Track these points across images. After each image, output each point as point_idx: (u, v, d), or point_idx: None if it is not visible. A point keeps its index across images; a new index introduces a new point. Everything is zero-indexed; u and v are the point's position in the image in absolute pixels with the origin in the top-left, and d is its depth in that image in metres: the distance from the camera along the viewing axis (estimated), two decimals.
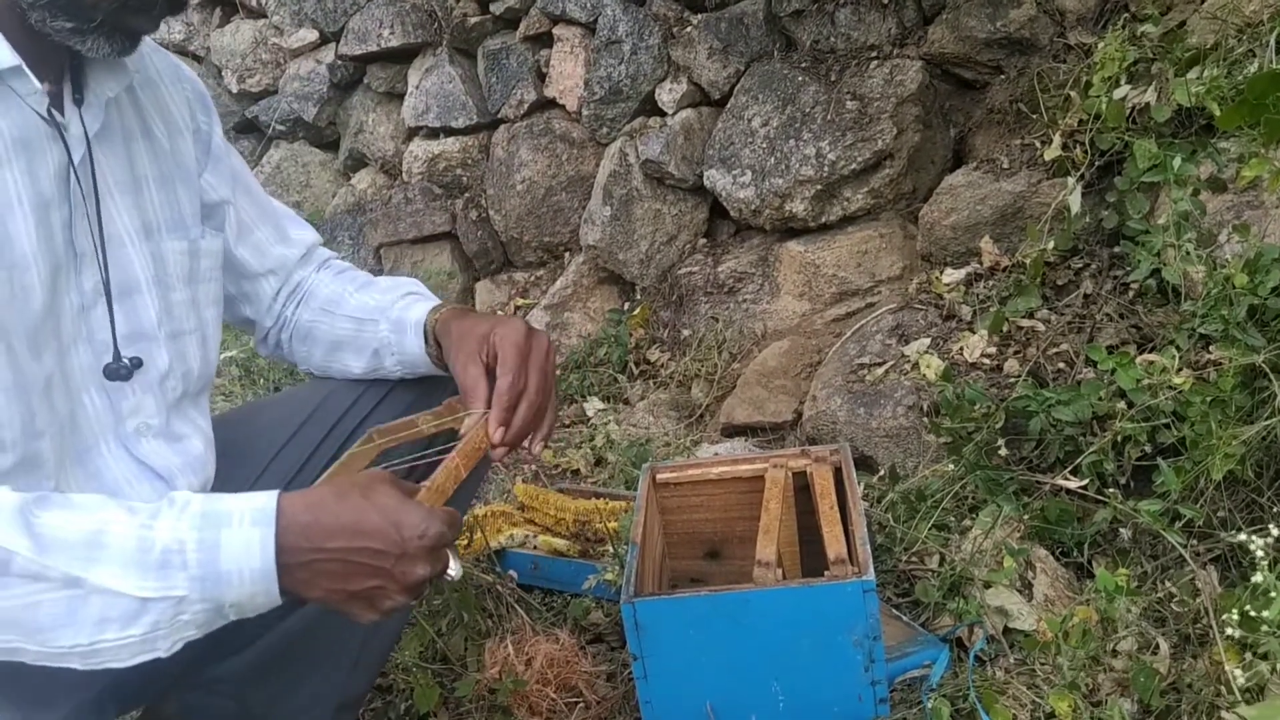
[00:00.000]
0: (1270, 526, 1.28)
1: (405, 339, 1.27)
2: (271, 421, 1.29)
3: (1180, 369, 1.61)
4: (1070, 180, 2.09)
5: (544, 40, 3.09)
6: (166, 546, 0.84)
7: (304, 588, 0.88)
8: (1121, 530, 1.58)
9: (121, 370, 1.03)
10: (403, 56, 3.38)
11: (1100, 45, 2.15)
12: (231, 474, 1.22)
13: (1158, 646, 1.37)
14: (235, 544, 0.85)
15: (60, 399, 0.99)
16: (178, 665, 1.24)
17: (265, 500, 0.88)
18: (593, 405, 2.65)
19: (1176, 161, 1.79)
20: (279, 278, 1.31)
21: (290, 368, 2.80)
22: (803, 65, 2.63)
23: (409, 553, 0.88)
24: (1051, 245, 2.10)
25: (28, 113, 0.96)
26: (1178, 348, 1.65)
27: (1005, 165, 2.33)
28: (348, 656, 1.30)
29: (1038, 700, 1.35)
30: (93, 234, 1.02)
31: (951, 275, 2.32)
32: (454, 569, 0.92)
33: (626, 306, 2.92)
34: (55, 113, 0.98)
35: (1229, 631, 1.25)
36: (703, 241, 2.86)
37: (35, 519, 0.82)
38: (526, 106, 3.11)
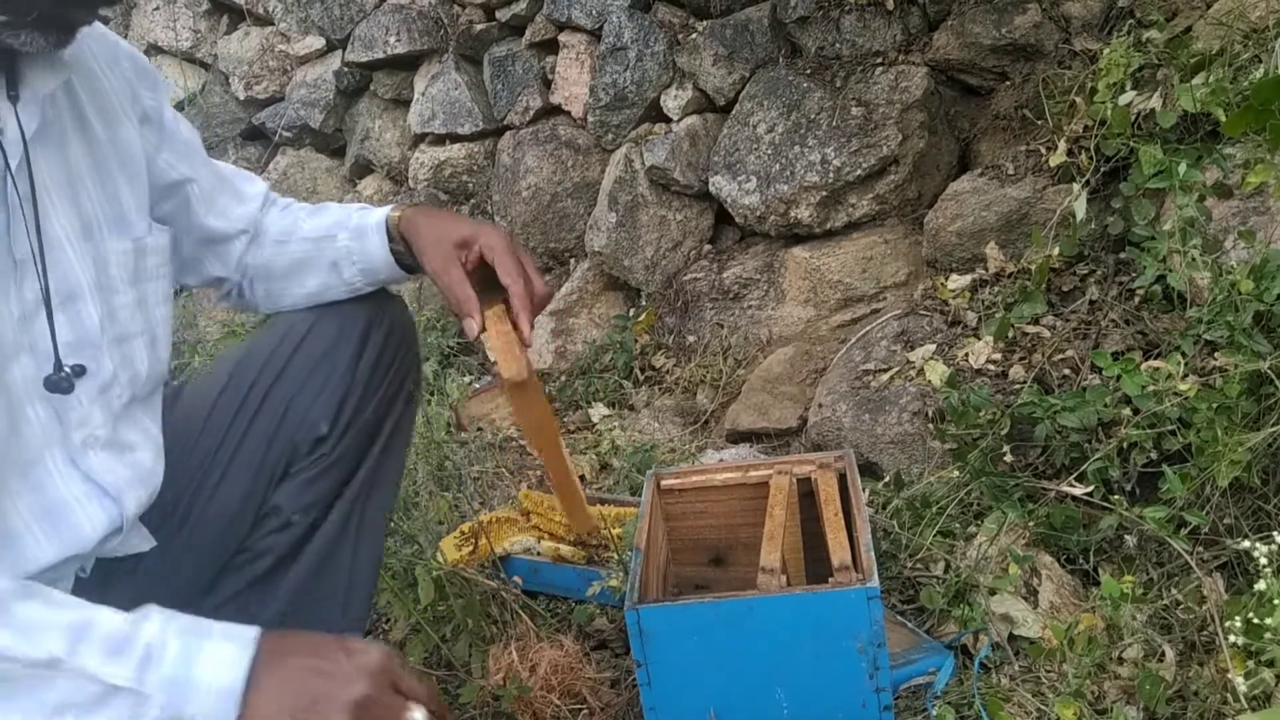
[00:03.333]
0: (1275, 533, 1.28)
1: (367, 242, 1.27)
2: (192, 405, 1.27)
3: (1186, 375, 1.61)
4: (1075, 186, 2.09)
5: (550, 47, 3.10)
6: (150, 641, 0.85)
7: (253, 710, 0.86)
8: (1127, 537, 1.58)
9: (63, 383, 0.99)
10: (409, 63, 3.39)
11: (1105, 51, 2.15)
12: (172, 472, 1.20)
13: (1163, 654, 1.36)
14: (212, 656, 0.86)
15: None
16: None
17: (252, 629, 0.89)
18: (598, 411, 2.65)
19: (1182, 167, 1.78)
20: (248, 235, 1.30)
21: None
22: (808, 72, 2.64)
23: (347, 671, 0.89)
24: (1057, 251, 2.10)
25: None
26: (1183, 354, 1.65)
27: (1010, 171, 2.33)
28: (334, 613, 1.29)
29: (1043, 707, 1.35)
30: (30, 240, 0.98)
31: (957, 281, 2.32)
32: (417, 716, 0.90)
33: (632, 312, 2.93)
34: None
35: (1233, 639, 1.24)
36: (708, 248, 2.86)
37: (13, 612, 0.84)
38: (532, 113, 3.12)
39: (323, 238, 1.30)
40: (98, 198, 1.07)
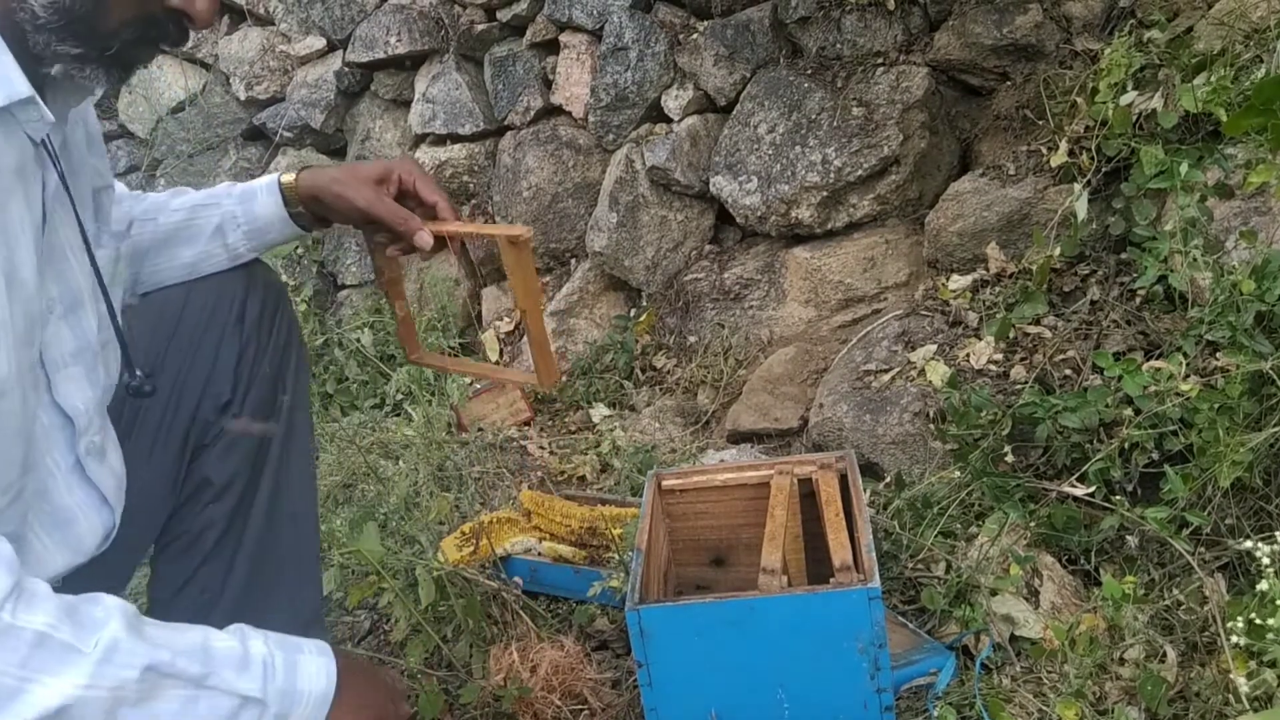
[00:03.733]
0: (1277, 534, 1.28)
1: (256, 204, 1.29)
2: None
3: (1187, 375, 1.61)
4: (1077, 186, 2.09)
5: (550, 47, 3.10)
6: (262, 658, 0.95)
7: (339, 712, 1.00)
8: (1128, 537, 1.58)
9: (145, 387, 1.03)
10: (410, 64, 3.39)
11: (1107, 51, 2.15)
12: None
13: (1165, 654, 1.36)
14: (309, 667, 0.98)
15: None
16: None
17: (322, 644, 1.03)
18: (599, 411, 2.65)
19: (1183, 167, 1.78)
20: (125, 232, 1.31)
21: None
22: (809, 72, 2.63)
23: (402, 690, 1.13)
24: (1058, 251, 2.09)
25: (21, 138, 0.92)
26: (1185, 354, 1.65)
27: (1011, 171, 2.33)
28: (289, 577, 1.33)
29: (1044, 708, 1.35)
30: (88, 246, 1.00)
31: (958, 281, 2.32)
32: None
33: (632, 313, 2.92)
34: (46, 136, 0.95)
35: (1235, 639, 1.24)
36: (709, 248, 2.86)
37: (148, 633, 0.90)
38: (533, 113, 3.12)
39: (199, 206, 1.31)
40: (83, 203, 1.08)
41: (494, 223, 1.30)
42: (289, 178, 1.30)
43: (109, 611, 0.88)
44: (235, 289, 1.30)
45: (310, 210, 1.30)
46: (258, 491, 1.28)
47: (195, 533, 1.26)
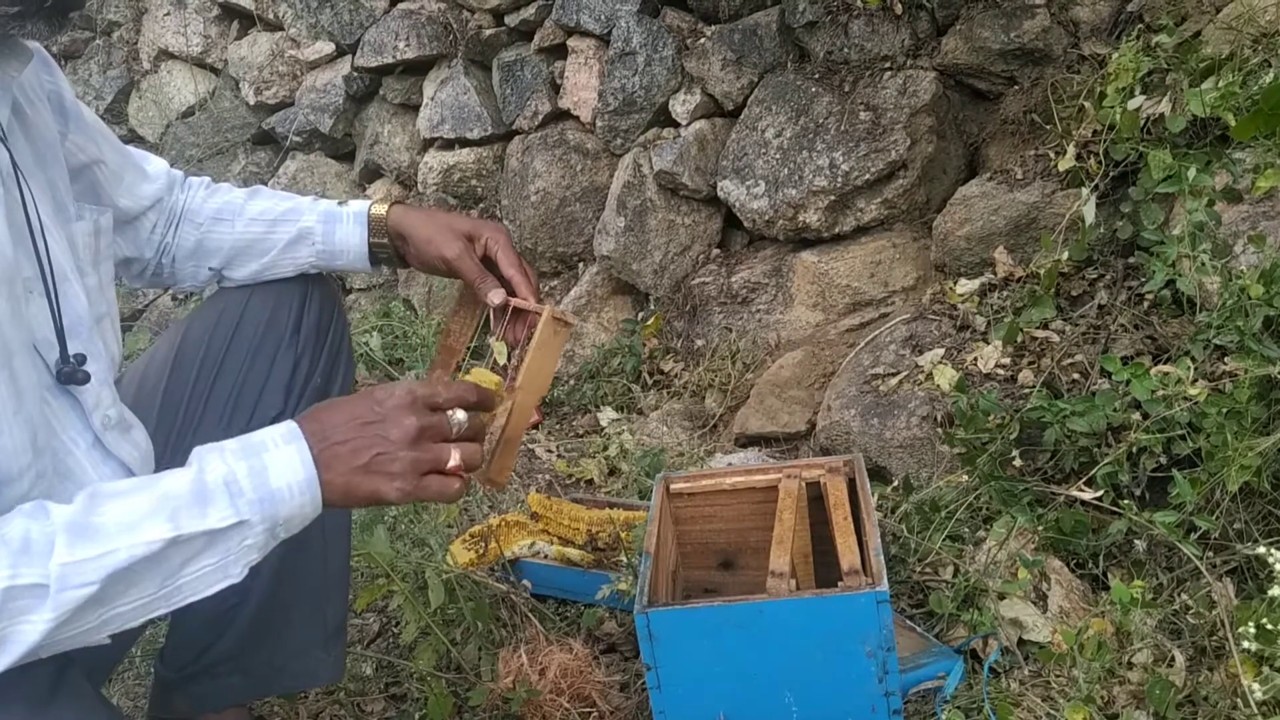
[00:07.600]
0: None
1: (339, 228, 1.31)
2: (139, 396, 1.28)
3: (1195, 380, 1.61)
4: (1084, 191, 2.09)
5: (558, 52, 3.11)
6: (224, 478, 0.88)
7: (330, 488, 0.93)
8: (1137, 542, 1.57)
9: (78, 375, 0.99)
10: (418, 68, 3.40)
11: (1114, 56, 2.15)
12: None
13: (1173, 659, 1.36)
14: (279, 463, 0.90)
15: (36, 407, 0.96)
16: (170, 669, 1.28)
17: (287, 424, 0.94)
18: (606, 415, 2.65)
19: (1191, 172, 1.78)
20: (156, 211, 1.31)
21: None
22: (816, 76, 2.64)
23: (388, 413, 0.95)
24: (1066, 256, 2.10)
25: None
26: (1193, 359, 1.65)
27: (1019, 176, 2.33)
28: (315, 590, 1.33)
29: (1053, 713, 1.35)
30: (41, 226, 0.98)
31: (965, 286, 2.32)
32: (459, 415, 0.99)
33: (640, 316, 2.93)
34: None
35: (1245, 645, 1.24)
36: (716, 252, 2.86)
37: (99, 525, 0.85)
38: (541, 118, 3.13)
39: (278, 220, 1.32)
40: (50, 181, 1.07)
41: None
42: (380, 209, 1.32)
43: (54, 526, 0.84)
44: (294, 297, 1.31)
45: (395, 247, 1.32)
46: None
47: None
